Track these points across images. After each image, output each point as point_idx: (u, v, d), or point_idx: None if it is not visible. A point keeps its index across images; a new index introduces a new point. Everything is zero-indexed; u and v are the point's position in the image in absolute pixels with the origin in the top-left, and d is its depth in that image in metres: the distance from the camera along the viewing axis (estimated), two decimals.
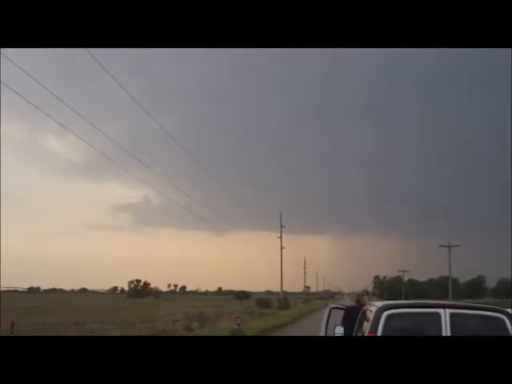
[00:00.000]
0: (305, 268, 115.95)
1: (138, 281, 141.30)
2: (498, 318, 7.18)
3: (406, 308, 7.48)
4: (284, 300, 70.59)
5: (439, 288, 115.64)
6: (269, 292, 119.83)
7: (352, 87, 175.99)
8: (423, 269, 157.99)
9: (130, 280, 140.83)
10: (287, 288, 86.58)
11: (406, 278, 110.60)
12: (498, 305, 9.66)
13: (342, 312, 10.59)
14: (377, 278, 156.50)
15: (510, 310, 7.76)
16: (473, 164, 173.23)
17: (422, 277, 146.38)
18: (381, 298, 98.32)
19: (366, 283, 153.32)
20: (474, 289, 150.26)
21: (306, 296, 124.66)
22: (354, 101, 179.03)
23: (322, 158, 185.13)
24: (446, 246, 55.60)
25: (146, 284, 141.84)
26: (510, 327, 7.11)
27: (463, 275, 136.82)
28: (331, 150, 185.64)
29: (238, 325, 15.29)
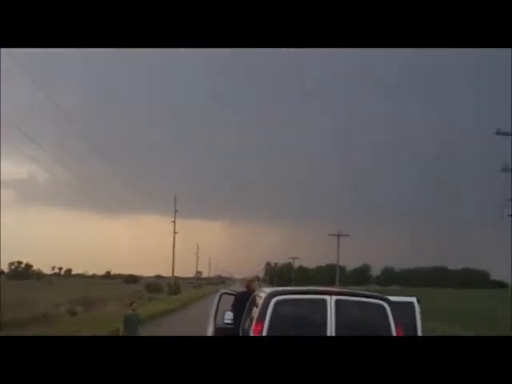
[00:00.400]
0: (197, 253, 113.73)
1: (20, 262, 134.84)
2: (379, 304, 7.40)
3: (294, 294, 7.64)
4: (174, 285, 68.64)
5: (327, 275, 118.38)
6: (159, 277, 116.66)
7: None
8: (313, 256, 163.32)
9: (10, 261, 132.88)
10: (179, 273, 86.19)
11: (296, 265, 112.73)
12: (381, 292, 9.80)
13: (233, 298, 10.57)
14: (268, 264, 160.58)
15: (391, 298, 7.98)
16: (364, 157, 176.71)
17: (311, 264, 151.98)
18: (271, 284, 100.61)
19: (258, 269, 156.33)
20: (360, 276, 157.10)
21: (198, 281, 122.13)
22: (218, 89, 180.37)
23: (218, 142, 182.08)
24: (335, 235, 57.07)
25: (28, 266, 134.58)
26: (390, 314, 7.33)
27: (350, 263, 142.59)
28: (228, 136, 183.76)
29: (133, 310, 14.34)
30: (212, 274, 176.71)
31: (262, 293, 7.89)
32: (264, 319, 7.17)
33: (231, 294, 10.81)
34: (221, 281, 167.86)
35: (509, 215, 20.63)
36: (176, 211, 66.35)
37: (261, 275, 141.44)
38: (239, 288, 17.53)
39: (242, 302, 9.49)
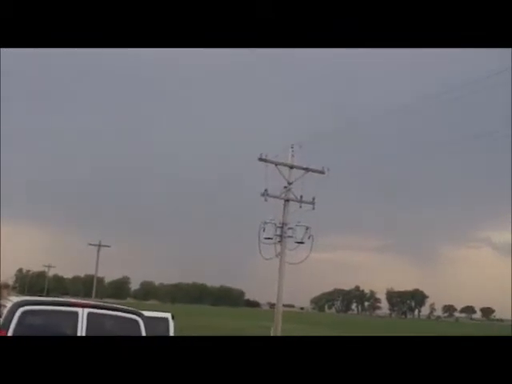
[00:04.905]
0: None
1: None
2: (133, 319, 7.39)
3: (45, 305, 7.42)
4: None
5: (84, 286, 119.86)
6: None
7: None
8: (71, 266, 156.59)
9: None
10: None
11: (51, 274, 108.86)
12: (139, 306, 9.86)
13: None
14: (20, 271, 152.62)
15: (146, 313, 8.04)
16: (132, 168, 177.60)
17: (68, 273, 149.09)
18: (22, 292, 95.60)
19: (8, 276, 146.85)
20: (118, 289, 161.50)
21: None
22: None
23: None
24: (95, 245, 56.49)
25: None
26: (143, 329, 7.34)
27: (110, 275, 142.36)
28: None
29: None
30: None
31: (9, 302, 7.53)
32: (8, 329, 6.87)
33: None
34: None
35: (265, 238, 21.77)
36: None
37: (11, 282, 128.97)
38: None
39: None
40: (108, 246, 57.31)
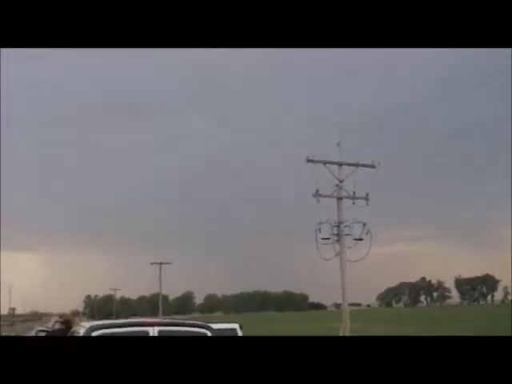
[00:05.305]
0: (10, 289, 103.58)
1: None
2: (202, 333, 7.34)
3: (116, 327, 7.39)
4: None
5: (150, 305, 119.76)
6: None
7: None
8: (136, 286, 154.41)
9: None
10: None
11: (117, 297, 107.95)
12: (204, 319, 9.83)
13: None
14: (88, 297, 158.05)
15: (214, 325, 8.03)
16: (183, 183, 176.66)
17: (133, 295, 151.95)
18: (92, 318, 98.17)
19: (78, 303, 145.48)
20: (183, 305, 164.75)
21: (11, 319, 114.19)
22: None
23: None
24: (157, 264, 56.57)
25: None
26: None
27: (173, 292, 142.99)
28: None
29: None
30: (27, 310, 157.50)
31: (81, 328, 7.53)
32: None
33: (46, 331, 10.23)
34: (38, 317, 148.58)
35: (323, 238, 21.80)
36: None
37: (81, 309, 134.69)
38: (57, 324, 16.33)
39: None
40: (169, 263, 57.79)
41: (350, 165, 22.23)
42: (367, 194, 22.24)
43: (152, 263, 56.74)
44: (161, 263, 56.32)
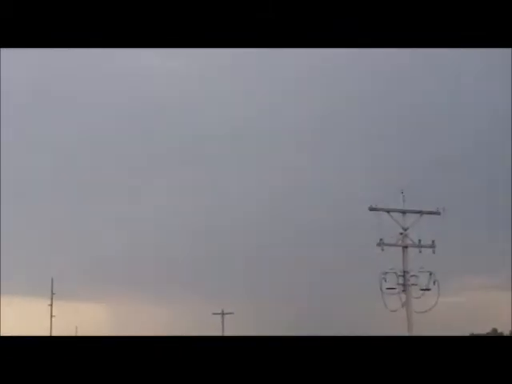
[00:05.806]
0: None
1: None
2: None
3: None
4: None
5: None
6: None
7: None
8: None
9: None
10: None
11: None
12: None
13: None
14: None
15: None
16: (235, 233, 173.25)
17: None
18: None
19: None
20: None
21: None
22: None
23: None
24: (219, 314, 56.73)
25: None
26: None
27: None
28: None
29: None
30: None
31: None
32: None
33: None
34: None
35: (388, 288, 21.19)
36: (53, 294, 62.70)
37: None
38: None
39: None
40: (231, 313, 58.21)
41: (414, 212, 21.58)
42: (433, 242, 21.48)
43: (214, 314, 57.05)
44: (223, 313, 56.09)
